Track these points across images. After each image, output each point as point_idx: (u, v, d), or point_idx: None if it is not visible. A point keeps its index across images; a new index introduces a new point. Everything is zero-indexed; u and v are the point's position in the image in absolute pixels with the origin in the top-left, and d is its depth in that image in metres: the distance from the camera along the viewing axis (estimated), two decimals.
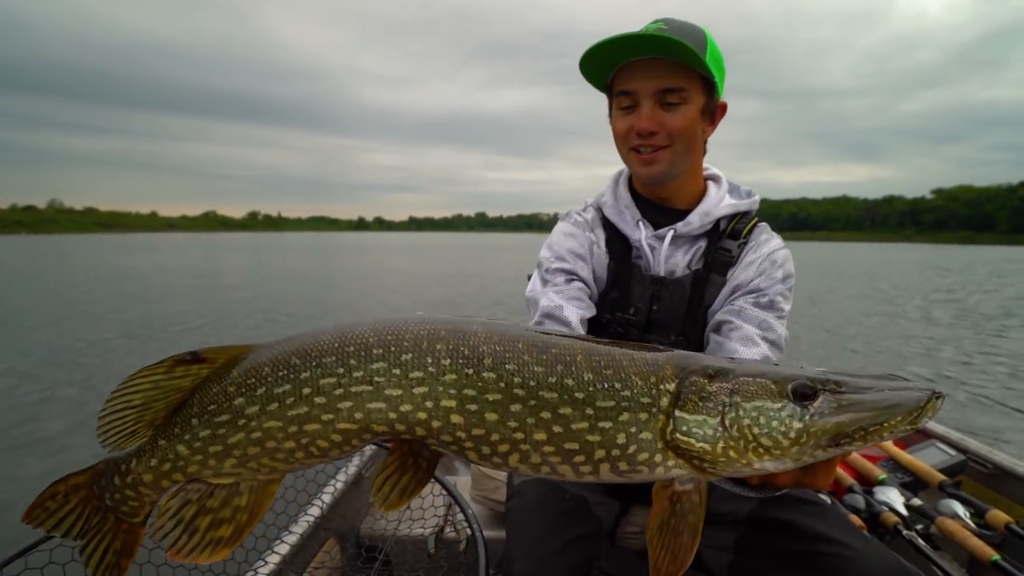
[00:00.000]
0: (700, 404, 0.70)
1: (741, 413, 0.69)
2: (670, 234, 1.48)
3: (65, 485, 0.75)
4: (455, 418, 0.68)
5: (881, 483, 2.02)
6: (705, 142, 1.53)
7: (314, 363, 0.69)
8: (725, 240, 1.49)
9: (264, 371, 0.70)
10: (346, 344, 0.69)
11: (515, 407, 0.68)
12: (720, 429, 0.69)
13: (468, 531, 1.91)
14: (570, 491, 1.49)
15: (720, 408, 0.70)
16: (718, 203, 1.51)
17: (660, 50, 1.31)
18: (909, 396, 0.66)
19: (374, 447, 2.01)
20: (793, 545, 1.21)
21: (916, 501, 1.91)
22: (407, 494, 0.68)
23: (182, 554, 0.69)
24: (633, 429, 0.70)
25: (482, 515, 2.05)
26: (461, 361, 0.68)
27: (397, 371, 0.68)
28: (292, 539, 1.65)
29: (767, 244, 1.47)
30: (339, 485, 1.94)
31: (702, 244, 1.51)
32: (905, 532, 1.75)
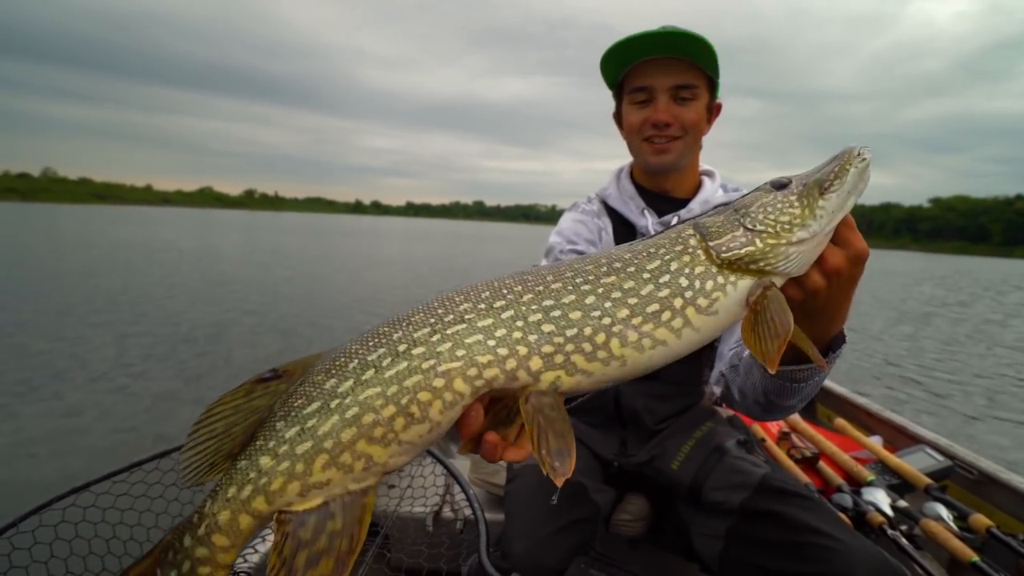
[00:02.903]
0: (721, 230, 0.84)
1: (753, 214, 0.84)
2: (675, 220, 1.58)
3: None
4: (546, 327, 0.74)
5: (869, 484, 2.08)
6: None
7: (404, 323, 0.71)
8: None
9: (352, 348, 0.70)
10: (431, 303, 0.74)
11: (589, 299, 0.76)
12: (748, 233, 0.83)
13: (465, 512, 1.96)
14: (569, 477, 1.53)
15: (736, 222, 0.84)
16: (714, 193, 1.64)
17: (677, 49, 1.46)
18: (849, 148, 0.85)
19: None
20: (782, 535, 1.24)
21: (902, 503, 1.97)
22: (566, 454, 0.70)
23: None
24: (688, 270, 0.81)
25: (480, 498, 2.10)
26: (530, 283, 0.77)
27: (483, 306, 0.73)
28: None
29: None
30: None
31: None
32: (890, 532, 1.80)
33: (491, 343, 0.70)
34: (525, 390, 0.72)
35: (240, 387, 0.68)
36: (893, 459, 2.23)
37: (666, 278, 0.80)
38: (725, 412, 1.79)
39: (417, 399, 0.67)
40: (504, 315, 0.72)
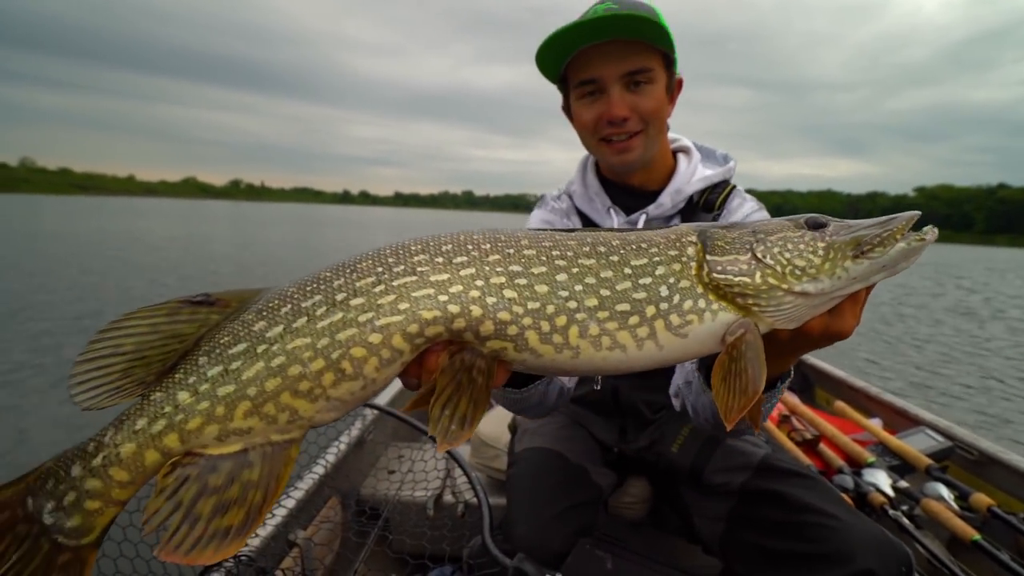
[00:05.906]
0: (727, 246, 0.75)
1: (769, 244, 0.74)
2: (643, 219, 1.44)
3: None
4: (508, 293, 0.66)
5: (870, 466, 2.08)
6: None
7: (349, 270, 0.64)
8: (699, 214, 1.45)
9: (289, 291, 0.63)
10: (382, 251, 0.67)
11: (560, 276, 0.69)
12: (753, 262, 0.73)
13: (466, 496, 1.95)
14: (571, 460, 1.51)
15: (748, 245, 0.75)
16: (689, 178, 1.46)
17: (625, 30, 1.25)
18: (903, 214, 0.74)
19: (376, 412, 2.01)
20: (782, 516, 1.24)
21: (903, 483, 1.97)
22: (468, 423, 0.62)
23: (181, 552, 0.52)
24: (672, 280, 0.73)
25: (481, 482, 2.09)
26: (501, 243, 0.69)
27: (440, 259, 0.66)
28: (298, 495, 1.67)
29: (739, 210, 1.43)
30: (342, 447, 1.95)
31: (676, 223, 1.43)
32: (891, 512, 1.80)
33: (442, 299, 0.63)
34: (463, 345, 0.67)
35: (164, 303, 0.60)
36: (893, 441, 2.23)
37: (647, 280, 0.72)
38: None
39: (350, 354, 0.61)
40: (463, 272, 0.65)
